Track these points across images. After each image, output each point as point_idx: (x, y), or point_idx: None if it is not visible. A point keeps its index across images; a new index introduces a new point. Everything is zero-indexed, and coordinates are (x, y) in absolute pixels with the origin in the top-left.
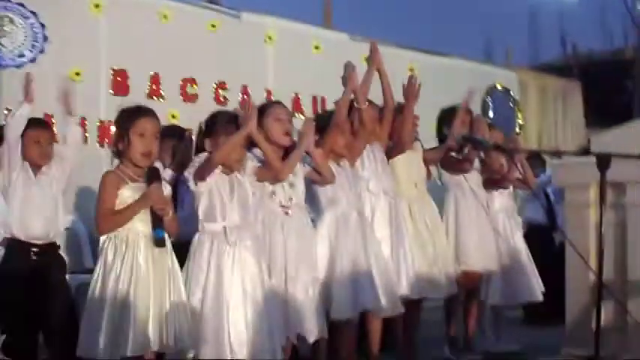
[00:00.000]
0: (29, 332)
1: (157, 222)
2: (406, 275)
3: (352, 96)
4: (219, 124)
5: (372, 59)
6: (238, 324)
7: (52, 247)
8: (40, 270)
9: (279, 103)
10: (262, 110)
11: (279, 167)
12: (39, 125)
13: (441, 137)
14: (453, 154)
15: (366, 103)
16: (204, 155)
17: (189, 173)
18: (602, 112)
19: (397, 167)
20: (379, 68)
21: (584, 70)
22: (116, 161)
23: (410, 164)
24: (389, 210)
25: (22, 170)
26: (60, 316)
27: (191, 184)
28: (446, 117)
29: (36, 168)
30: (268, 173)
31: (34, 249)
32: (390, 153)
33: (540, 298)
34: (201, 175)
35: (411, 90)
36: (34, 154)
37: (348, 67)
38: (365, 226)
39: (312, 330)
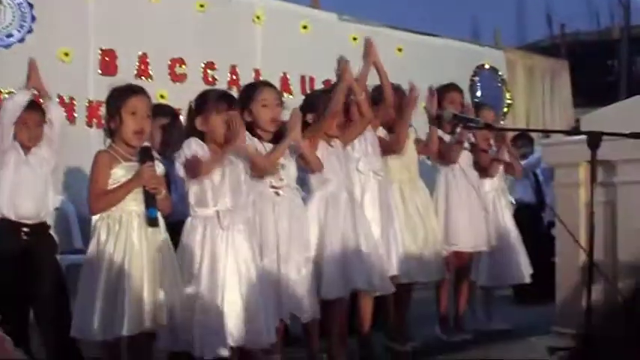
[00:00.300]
0: (19, 313)
1: (150, 201)
2: (396, 255)
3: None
4: (210, 101)
5: (367, 54)
6: (235, 307)
7: (43, 226)
8: (30, 250)
9: (267, 85)
10: (249, 93)
11: (265, 165)
12: (28, 107)
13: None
14: (444, 135)
15: (363, 94)
16: (193, 145)
17: (178, 159)
18: (588, 92)
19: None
20: (376, 63)
21: (570, 50)
22: (108, 141)
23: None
24: (378, 190)
25: (13, 149)
26: (50, 296)
27: (180, 171)
28: (438, 96)
29: (26, 149)
30: (255, 171)
31: (25, 229)
32: (384, 150)
33: (527, 279)
34: (190, 174)
35: (411, 98)
36: (23, 136)
37: (342, 62)
38: (355, 206)
39: (305, 310)
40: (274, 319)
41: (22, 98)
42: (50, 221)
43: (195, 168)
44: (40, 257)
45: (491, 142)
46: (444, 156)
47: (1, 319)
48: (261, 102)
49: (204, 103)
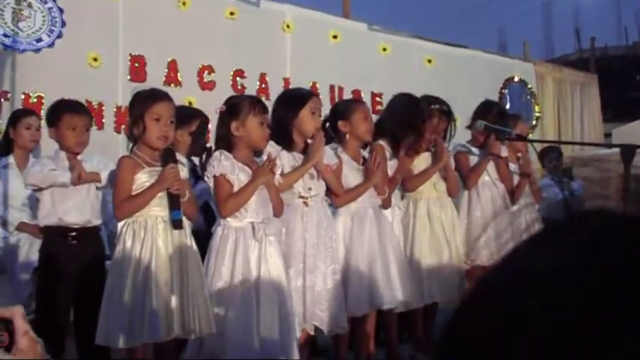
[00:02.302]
0: (61, 315)
1: (174, 203)
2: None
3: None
4: (247, 105)
5: (439, 158)
6: (268, 318)
7: (91, 230)
8: (77, 253)
9: (315, 94)
10: (300, 99)
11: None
12: (75, 111)
13: (469, 128)
14: (472, 148)
15: (386, 192)
16: (223, 161)
17: (208, 169)
18: (616, 106)
19: (417, 169)
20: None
21: (598, 64)
22: (130, 145)
23: (427, 165)
24: (400, 223)
25: (58, 160)
26: (91, 299)
27: (210, 182)
28: (480, 111)
29: (72, 155)
30: None
31: (72, 233)
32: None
33: None
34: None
35: (440, 154)
36: (70, 141)
37: (372, 161)
38: (381, 221)
39: (329, 322)
40: (297, 330)
41: (60, 180)
42: (98, 223)
43: (222, 194)
44: (87, 261)
45: (519, 155)
46: (465, 179)
47: (32, 319)
48: (311, 109)
49: (239, 107)
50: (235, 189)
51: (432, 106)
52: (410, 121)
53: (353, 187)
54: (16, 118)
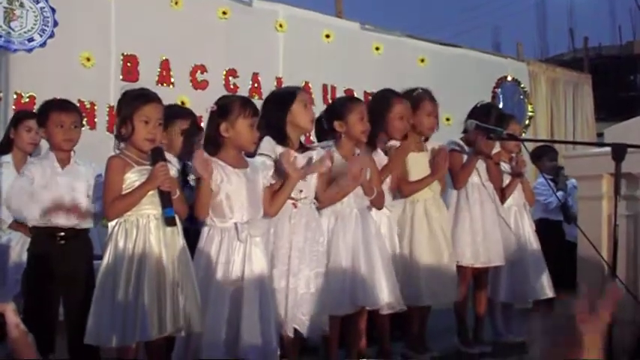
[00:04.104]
0: (50, 315)
1: (165, 201)
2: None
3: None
4: (237, 107)
5: (438, 169)
6: (250, 317)
7: (80, 231)
8: (66, 253)
9: (302, 88)
10: (291, 94)
11: (269, 209)
12: (63, 108)
13: (465, 131)
14: (465, 147)
15: (375, 192)
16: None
17: (190, 170)
18: (610, 106)
19: (412, 171)
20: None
21: (592, 64)
22: (116, 142)
23: (423, 166)
24: (388, 226)
25: (47, 160)
26: (80, 299)
27: (192, 182)
28: (474, 114)
29: (62, 153)
30: None
31: (61, 233)
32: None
33: (550, 294)
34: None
35: (439, 163)
36: (58, 138)
37: (356, 165)
38: (367, 223)
39: (309, 326)
40: (278, 331)
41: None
42: (88, 225)
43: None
44: (75, 261)
45: (513, 155)
46: (455, 178)
47: (23, 317)
48: (303, 102)
49: (229, 108)
50: (222, 188)
51: (418, 91)
52: (372, 112)
53: (335, 188)
54: (18, 119)
